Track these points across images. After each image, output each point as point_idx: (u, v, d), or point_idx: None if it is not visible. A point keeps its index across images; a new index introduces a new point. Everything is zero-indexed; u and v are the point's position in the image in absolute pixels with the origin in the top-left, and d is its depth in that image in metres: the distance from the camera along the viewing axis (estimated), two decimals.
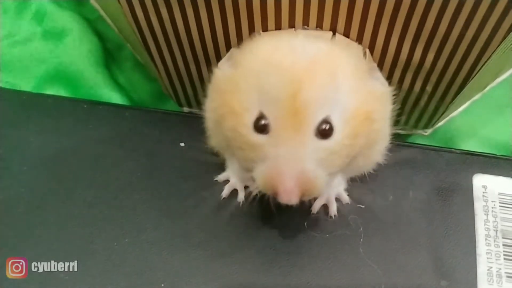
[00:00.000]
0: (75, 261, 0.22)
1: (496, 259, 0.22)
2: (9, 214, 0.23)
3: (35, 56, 0.31)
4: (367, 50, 0.22)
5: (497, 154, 0.25)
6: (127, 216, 0.23)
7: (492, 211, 0.23)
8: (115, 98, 0.30)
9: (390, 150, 0.22)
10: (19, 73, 0.31)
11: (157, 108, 0.29)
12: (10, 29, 0.32)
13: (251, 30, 0.22)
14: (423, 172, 0.24)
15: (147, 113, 0.26)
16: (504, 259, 0.22)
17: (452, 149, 0.25)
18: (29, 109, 0.26)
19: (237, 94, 0.19)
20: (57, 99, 0.28)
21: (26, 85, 0.31)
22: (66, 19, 0.32)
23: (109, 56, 0.32)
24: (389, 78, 0.23)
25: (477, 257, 0.22)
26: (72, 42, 0.31)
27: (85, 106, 0.26)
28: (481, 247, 0.22)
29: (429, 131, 0.28)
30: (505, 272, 0.22)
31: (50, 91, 0.30)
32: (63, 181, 0.24)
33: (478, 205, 0.23)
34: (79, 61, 0.31)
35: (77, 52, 0.31)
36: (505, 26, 0.19)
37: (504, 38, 0.20)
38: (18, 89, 0.30)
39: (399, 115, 0.23)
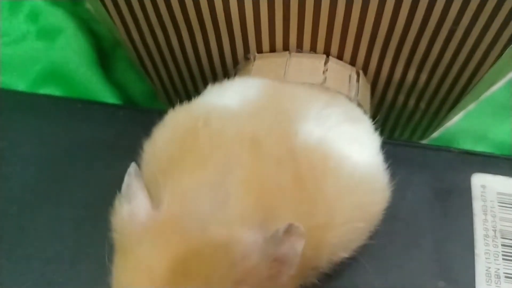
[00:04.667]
0: (69, 262, 0.22)
1: (495, 259, 0.22)
2: (2, 215, 0.23)
3: (29, 55, 0.31)
4: (361, 71, 0.22)
5: (497, 153, 0.25)
6: None
7: (491, 210, 0.23)
8: (110, 97, 0.30)
9: (388, 149, 0.22)
10: (13, 72, 0.31)
11: (152, 108, 0.29)
12: (4, 28, 0.32)
13: (246, 50, 0.22)
14: (421, 171, 0.24)
15: (142, 113, 0.26)
16: (503, 259, 0.22)
17: (451, 149, 0.25)
18: (23, 109, 0.26)
19: None
20: (51, 98, 0.27)
21: (20, 85, 0.30)
22: (60, 18, 0.31)
23: (104, 55, 0.32)
24: (383, 96, 0.23)
25: (476, 257, 0.22)
26: (66, 41, 0.31)
27: (80, 105, 0.26)
28: (480, 247, 0.22)
29: (424, 141, 0.28)
30: (504, 272, 0.22)
31: (44, 90, 0.30)
32: (57, 182, 0.24)
33: (477, 205, 0.23)
34: (74, 60, 0.30)
35: (71, 51, 0.31)
36: (496, 49, 0.20)
37: (495, 61, 0.20)
38: (12, 88, 0.30)
39: (393, 128, 0.23)
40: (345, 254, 0.19)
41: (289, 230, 0.15)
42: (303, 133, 0.18)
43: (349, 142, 0.19)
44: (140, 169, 0.19)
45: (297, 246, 0.15)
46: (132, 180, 0.17)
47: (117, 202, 0.18)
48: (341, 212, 0.18)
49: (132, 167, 0.18)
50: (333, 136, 0.19)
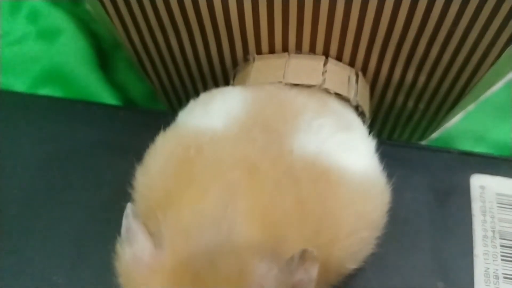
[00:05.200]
0: (69, 263, 0.22)
1: (493, 260, 0.22)
2: (2, 215, 0.23)
3: (29, 56, 0.31)
4: (360, 72, 0.22)
5: (496, 154, 0.25)
6: (121, 218, 0.23)
7: (489, 211, 0.23)
8: (109, 98, 0.30)
9: (387, 150, 0.22)
10: (13, 73, 0.31)
11: (152, 109, 0.29)
12: (4, 29, 0.32)
13: (246, 52, 0.22)
14: (420, 172, 0.24)
15: (141, 114, 0.26)
16: (501, 260, 0.22)
17: (450, 149, 0.25)
18: (23, 110, 0.26)
19: None
20: (51, 99, 0.27)
21: (19, 85, 0.30)
22: (60, 19, 0.31)
23: (103, 56, 0.32)
24: (382, 97, 0.23)
25: (474, 258, 0.22)
26: (66, 42, 0.31)
27: (79, 106, 0.26)
28: (478, 248, 0.22)
29: (423, 142, 0.28)
30: (502, 273, 0.22)
31: (44, 91, 0.30)
32: (57, 182, 0.24)
33: (476, 206, 0.23)
34: (73, 61, 0.30)
35: (71, 52, 0.31)
36: (495, 50, 0.20)
37: (494, 62, 0.20)
38: (12, 89, 0.30)
39: (392, 129, 0.23)
40: (353, 266, 0.19)
41: (303, 256, 0.15)
42: (298, 149, 0.18)
43: (345, 152, 0.19)
44: (135, 201, 0.19)
45: (311, 271, 0.15)
46: (131, 223, 0.17)
47: (118, 247, 0.17)
48: (345, 224, 0.18)
49: (129, 208, 0.17)
50: (329, 147, 0.18)
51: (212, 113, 0.19)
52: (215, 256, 0.15)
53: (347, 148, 0.19)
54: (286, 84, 0.21)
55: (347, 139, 0.19)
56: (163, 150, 0.19)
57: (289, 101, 0.20)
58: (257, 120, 0.18)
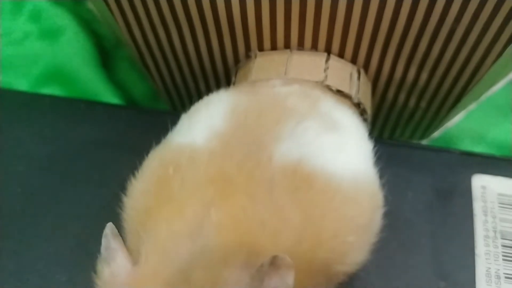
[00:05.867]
0: (71, 262, 0.22)
1: (495, 260, 0.22)
2: (3, 215, 0.23)
3: (31, 55, 0.31)
4: (362, 70, 0.22)
5: (497, 154, 0.25)
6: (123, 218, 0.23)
7: (491, 211, 0.23)
8: (111, 97, 0.30)
9: (389, 150, 0.22)
10: (15, 72, 0.31)
11: (154, 108, 0.29)
12: (6, 28, 0.32)
13: (248, 48, 0.22)
14: (422, 172, 0.24)
15: (143, 113, 0.26)
16: (503, 259, 0.22)
17: (451, 150, 0.25)
18: (25, 109, 0.26)
19: None
20: (53, 99, 0.27)
21: (21, 85, 0.30)
22: (62, 18, 0.32)
23: (106, 55, 0.32)
24: (383, 94, 0.23)
25: (476, 257, 0.22)
26: (68, 41, 0.31)
27: (81, 106, 0.26)
28: (480, 248, 0.22)
29: (425, 141, 0.28)
30: (504, 273, 0.22)
31: (46, 90, 0.30)
32: (59, 181, 0.24)
33: (477, 206, 0.23)
34: (75, 60, 0.30)
35: (73, 51, 0.31)
36: (497, 48, 0.20)
37: (496, 60, 0.20)
38: (14, 88, 0.30)
39: (394, 127, 0.23)
40: (345, 268, 0.18)
41: (274, 262, 0.14)
42: (279, 156, 0.17)
43: (332, 154, 0.18)
44: (124, 220, 0.19)
45: (287, 278, 0.14)
46: (109, 242, 0.17)
47: (99, 266, 0.17)
48: (328, 229, 0.17)
49: (108, 228, 0.17)
50: (314, 151, 0.18)
51: (194, 128, 0.19)
52: (190, 271, 0.15)
53: (334, 149, 0.19)
54: (283, 82, 0.21)
55: (334, 139, 0.19)
56: (147, 170, 0.19)
57: (276, 106, 0.19)
58: (237, 133, 0.18)
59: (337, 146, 0.19)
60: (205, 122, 0.19)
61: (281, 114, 0.19)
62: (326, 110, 0.20)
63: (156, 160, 0.19)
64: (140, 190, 0.19)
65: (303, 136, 0.18)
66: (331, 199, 0.18)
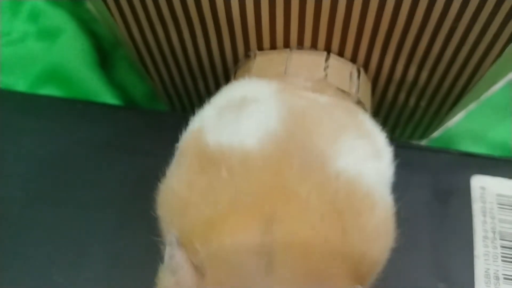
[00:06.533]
0: (69, 262, 0.22)
1: (494, 261, 0.22)
2: (2, 215, 0.23)
3: (29, 55, 0.31)
4: (362, 69, 0.22)
5: (496, 155, 0.25)
6: (122, 218, 0.23)
7: (490, 212, 0.23)
8: (110, 98, 0.30)
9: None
10: (13, 72, 0.31)
11: (153, 109, 0.29)
12: (4, 29, 0.32)
13: (247, 48, 0.22)
14: (421, 173, 0.24)
15: (142, 114, 0.26)
16: (502, 260, 0.22)
17: (450, 150, 0.25)
18: (23, 109, 0.26)
19: None
20: (51, 99, 0.27)
21: (20, 85, 0.30)
22: (60, 19, 0.31)
23: (104, 56, 0.32)
24: (383, 94, 0.23)
25: (475, 258, 0.22)
26: (66, 42, 0.31)
27: (80, 106, 0.26)
28: (479, 249, 0.22)
29: (424, 141, 0.28)
30: (503, 274, 0.22)
31: (44, 91, 0.30)
32: (57, 182, 0.24)
33: (476, 206, 0.23)
34: (74, 61, 0.30)
35: (71, 51, 0.31)
36: (497, 47, 0.20)
37: (496, 59, 0.20)
38: (12, 89, 0.30)
39: (394, 127, 0.23)
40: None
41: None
42: (341, 174, 0.17)
43: (378, 180, 0.18)
44: (161, 226, 0.18)
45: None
46: (175, 250, 0.16)
47: (161, 274, 0.17)
48: (377, 248, 0.17)
49: (173, 236, 0.16)
50: (367, 172, 0.17)
51: (245, 127, 0.18)
52: None
53: (380, 177, 0.18)
54: (312, 85, 0.20)
55: (380, 167, 0.19)
56: (189, 166, 0.18)
57: (328, 115, 0.19)
58: (294, 140, 0.17)
59: (381, 174, 0.19)
60: (257, 121, 0.18)
61: (338, 126, 0.18)
62: (371, 132, 0.19)
63: (197, 157, 0.18)
64: (186, 195, 0.17)
65: (359, 154, 0.18)
66: (381, 221, 0.18)
